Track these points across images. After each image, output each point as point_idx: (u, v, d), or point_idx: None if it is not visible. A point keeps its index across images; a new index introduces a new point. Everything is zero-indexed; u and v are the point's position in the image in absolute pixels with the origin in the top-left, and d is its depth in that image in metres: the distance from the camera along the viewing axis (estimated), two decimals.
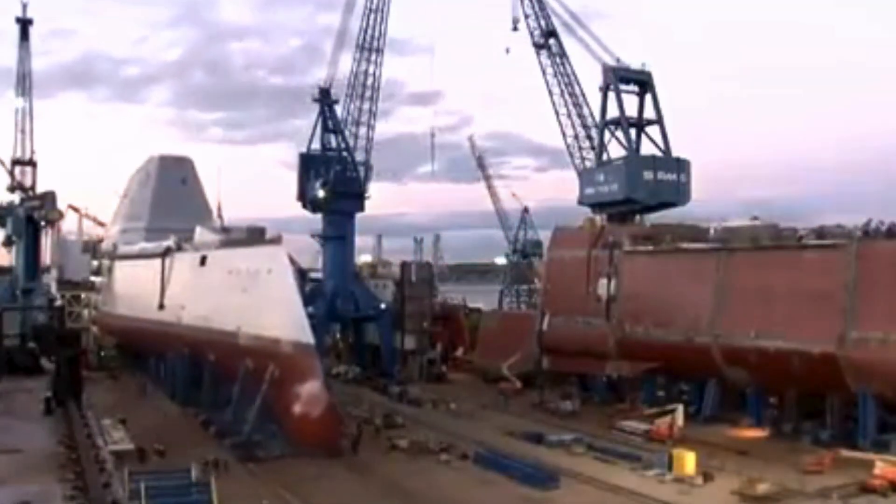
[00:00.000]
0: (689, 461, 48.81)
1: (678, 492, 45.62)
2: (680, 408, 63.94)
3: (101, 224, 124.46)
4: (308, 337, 53.84)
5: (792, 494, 44.51)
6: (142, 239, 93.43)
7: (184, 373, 70.97)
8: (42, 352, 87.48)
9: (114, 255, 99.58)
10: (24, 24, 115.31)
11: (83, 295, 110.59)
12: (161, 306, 75.42)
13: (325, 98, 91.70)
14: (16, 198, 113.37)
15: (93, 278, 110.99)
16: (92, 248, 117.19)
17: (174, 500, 38.09)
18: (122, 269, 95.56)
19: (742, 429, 62.36)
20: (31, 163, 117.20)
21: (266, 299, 56.13)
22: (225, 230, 73.42)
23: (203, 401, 65.64)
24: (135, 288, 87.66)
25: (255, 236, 65.75)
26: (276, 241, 60.78)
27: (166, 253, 77.24)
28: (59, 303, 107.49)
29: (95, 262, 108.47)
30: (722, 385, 65.94)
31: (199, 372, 67.94)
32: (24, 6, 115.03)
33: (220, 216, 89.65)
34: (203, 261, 68.48)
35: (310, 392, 53.08)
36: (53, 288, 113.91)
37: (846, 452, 51.95)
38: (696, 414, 65.04)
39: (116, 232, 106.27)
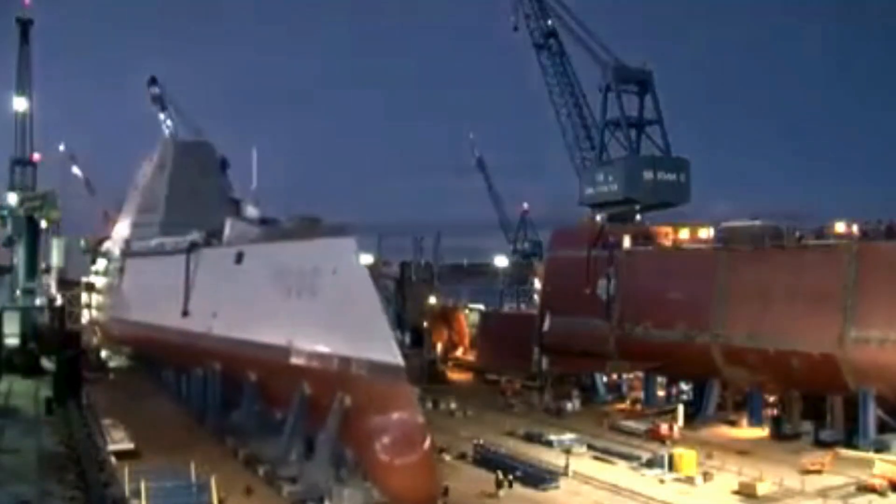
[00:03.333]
0: (689, 461, 48.84)
1: (678, 492, 45.64)
2: (680, 408, 64.11)
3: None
4: (396, 356, 40.77)
5: (792, 494, 44.53)
6: (157, 234, 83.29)
7: (216, 394, 58.91)
8: (42, 352, 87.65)
9: (126, 253, 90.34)
10: (25, 24, 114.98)
11: (84, 295, 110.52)
12: (185, 312, 63.83)
13: None
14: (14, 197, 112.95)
15: (92, 278, 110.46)
16: (93, 248, 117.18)
17: (174, 500, 38.09)
18: (134, 269, 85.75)
19: (742, 429, 62.43)
20: (31, 163, 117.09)
21: (331, 306, 44.14)
22: (264, 221, 62.09)
23: (242, 429, 53.20)
24: (150, 290, 77.20)
25: (309, 227, 52.54)
26: (343, 231, 46.39)
27: (191, 249, 65.69)
28: (59, 303, 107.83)
29: (103, 262, 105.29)
30: (722, 385, 65.95)
31: (234, 393, 55.86)
32: (25, 6, 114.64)
33: (257, 205, 72.31)
34: (239, 258, 56.86)
35: (401, 429, 40.57)
36: (53, 288, 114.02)
37: (846, 452, 51.99)
38: (696, 414, 65.04)
39: (127, 227, 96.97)
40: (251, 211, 67.08)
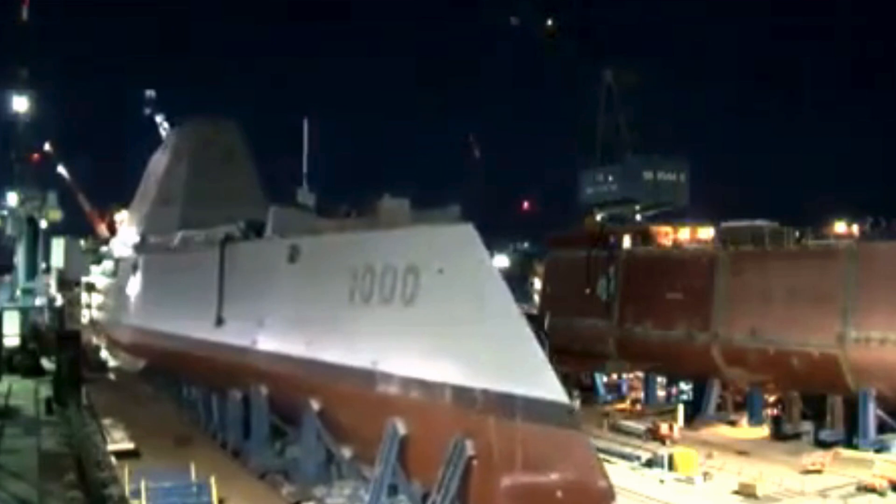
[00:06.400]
0: (689, 461, 48.84)
1: (678, 492, 45.64)
2: (680, 408, 64.10)
3: None
4: (558, 391, 28.54)
5: (792, 494, 44.50)
6: (175, 228, 72.81)
7: (261, 424, 46.80)
8: (42, 352, 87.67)
9: (141, 249, 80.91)
10: (24, 25, 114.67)
11: (84, 295, 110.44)
12: (219, 321, 51.91)
13: None
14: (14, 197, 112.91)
15: (92, 278, 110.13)
16: (94, 248, 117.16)
17: (174, 500, 38.08)
18: (151, 268, 75.43)
19: (742, 429, 62.43)
20: (32, 163, 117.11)
21: (439, 318, 32.43)
22: (321, 210, 50.45)
23: (302, 473, 42.03)
24: (172, 293, 66.59)
25: (395, 214, 39.10)
26: (456, 217, 34.58)
27: (226, 243, 53.17)
28: (59, 303, 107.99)
29: (109, 262, 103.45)
30: (722, 385, 65.97)
31: (285, 423, 45.65)
32: (25, 8, 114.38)
33: (310, 190, 56.36)
34: (293, 254, 44.39)
35: (572, 494, 28.33)
36: (53, 288, 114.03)
37: (846, 452, 51.99)
38: (696, 414, 65.05)
39: (140, 220, 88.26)
40: (304, 196, 53.74)
